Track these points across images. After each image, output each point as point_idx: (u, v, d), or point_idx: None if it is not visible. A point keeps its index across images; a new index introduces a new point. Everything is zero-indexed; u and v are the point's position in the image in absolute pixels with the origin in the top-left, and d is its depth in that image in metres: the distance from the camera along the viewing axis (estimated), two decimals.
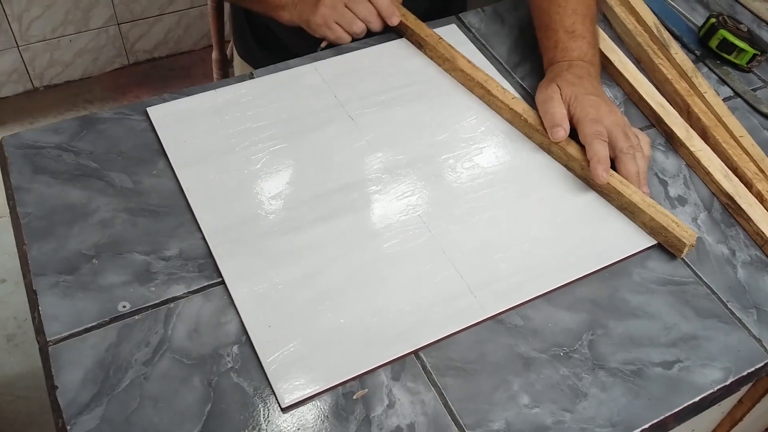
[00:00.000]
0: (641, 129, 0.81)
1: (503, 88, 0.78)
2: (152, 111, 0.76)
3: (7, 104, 2.03)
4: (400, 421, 0.56)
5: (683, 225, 0.68)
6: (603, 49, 0.87)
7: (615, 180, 0.70)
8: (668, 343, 0.63)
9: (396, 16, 0.84)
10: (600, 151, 0.70)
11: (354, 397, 0.57)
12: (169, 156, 0.72)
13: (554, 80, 0.77)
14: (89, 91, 2.09)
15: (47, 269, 0.63)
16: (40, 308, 0.60)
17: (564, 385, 0.59)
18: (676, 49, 0.89)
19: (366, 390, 0.58)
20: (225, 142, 0.73)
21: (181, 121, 0.75)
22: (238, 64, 1.17)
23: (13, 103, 2.03)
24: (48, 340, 0.59)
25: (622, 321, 0.64)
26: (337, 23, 0.85)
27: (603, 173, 0.69)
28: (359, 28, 0.85)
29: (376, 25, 0.85)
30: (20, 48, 1.96)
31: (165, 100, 0.77)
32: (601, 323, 0.63)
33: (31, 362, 1.56)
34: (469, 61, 0.80)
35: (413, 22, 0.85)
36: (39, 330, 0.60)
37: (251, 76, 0.81)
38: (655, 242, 0.69)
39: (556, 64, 0.79)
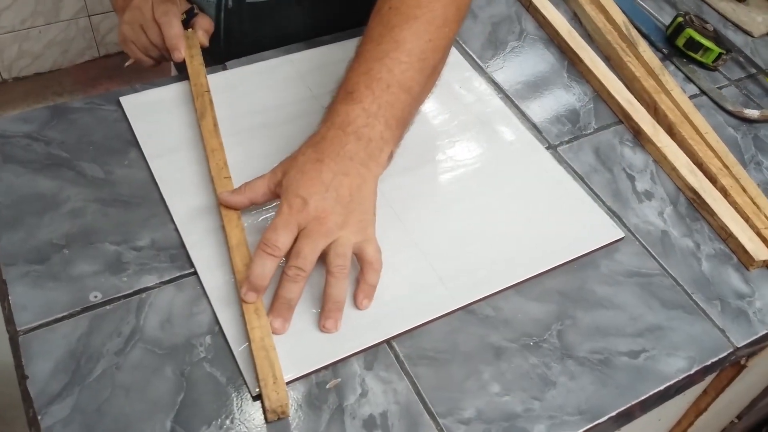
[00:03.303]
0: (609, 125, 0.83)
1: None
2: (125, 101, 0.75)
3: None
4: (373, 410, 0.57)
5: (280, 386, 0.55)
6: (573, 47, 0.88)
7: (249, 308, 0.59)
8: (634, 333, 0.64)
9: (179, 51, 0.77)
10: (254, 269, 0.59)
11: (327, 387, 0.58)
12: (141, 145, 0.72)
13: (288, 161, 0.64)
14: (59, 83, 2.06)
15: (17, 259, 0.62)
16: (10, 298, 0.60)
17: (533, 374, 0.60)
18: (644, 47, 0.90)
19: (339, 379, 0.58)
20: (198, 132, 0.73)
21: (154, 111, 0.75)
22: None
23: None
24: (18, 329, 0.58)
25: (589, 312, 0.65)
26: (134, 43, 0.81)
27: (247, 294, 0.59)
28: (154, 53, 0.80)
29: (163, 56, 0.80)
30: None
31: (137, 90, 0.77)
32: (570, 314, 0.65)
33: None
34: (215, 125, 0.72)
35: (195, 66, 0.77)
36: (9, 320, 0.59)
37: (225, 68, 0.80)
38: (623, 236, 0.71)
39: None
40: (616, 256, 0.70)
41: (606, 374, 0.61)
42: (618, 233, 0.71)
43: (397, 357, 0.60)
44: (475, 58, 0.87)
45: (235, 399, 0.56)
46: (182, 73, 0.79)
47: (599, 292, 0.66)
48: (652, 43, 0.95)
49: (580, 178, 0.76)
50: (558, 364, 0.61)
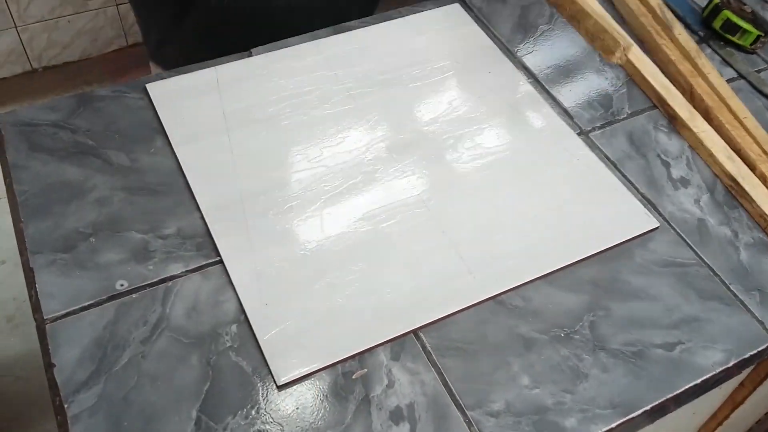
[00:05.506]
0: (644, 110, 0.81)
1: None
2: (151, 88, 0.75)
3: (5, 85, 2.02)
4: (400, 401, 0.56)
5: (624, 35, 0.75)
6: (606, 29, 0.86)
7: None
8: (670, 324, 0.62)
9: None
10: None
11: (353, 377, 0.57)
12: (167, 133, 0.71)
13: None
14: (88, 72, 2.07)
15: (44, 247, 0.62)
16: (37, 286, 0.60)
17: (564, 366, 0.59)
18: (679, 29, 0.88)
19: (365, 369, 0.58)
20: (224, 119, 0.73)
21: (180, 99, 0.74)
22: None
23: (12, 84, 2.02)
24: (45, 318, 0.58)
25: (623, 302, 0.63)
26: None
27: None
28: None
29: None
30: (18, 29, 1.94)
31: (163, 78, 0.76)
32: (602, 305, 0.63)
33: (31, 343, 1.56)
34: None
35: None
36: (36, 308, 0.59)
37: (250, 54, 0.80)
38: (658, 224, 0.69)
39: None
40: (650, 246, 0.68)
41: (640, 367, 0.60)
42: (653, 222, 0.69)
43: (424, 347, 0.59)
44: (504, 42, 0.86)
45: (260, 389, 0.56)
46: (209, 59, 0.79)
47: (633, 283, 0.65)
48: (687, 26, 0.92)
49: (613, 165, 0.74)
50: (590, 356, 0.60)
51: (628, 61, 0.84)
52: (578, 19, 0.76)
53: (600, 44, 0.73)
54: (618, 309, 0.63)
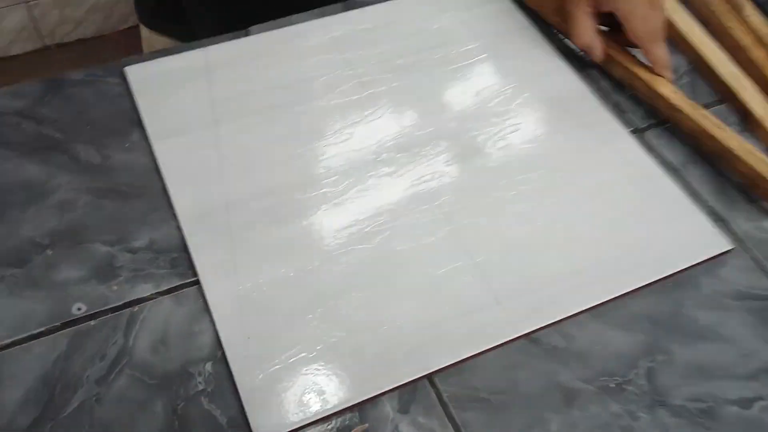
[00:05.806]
0: (710, 105, 0.69)
1: None
2: (130, 71, 0.66)
3: (17, 62, 1.99)
4: None
5: None
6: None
7: (708, 122, 0.64)
8: (747, 374, 0.52)
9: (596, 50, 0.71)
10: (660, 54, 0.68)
11: None
12: (145, 125, 0.62)
13: None
14: (102, 50, 2.04)
15: None
16: None
17: (615, 426, 0.49)
18: (749, 10, 0.77)
19: (366, 425, 0.48)
20: (212, 109, 0.63)
21: (163, 84, 0.65)
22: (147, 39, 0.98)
23: (25, 61, 1.99)
24: None
25: (688, 345, 0.53)
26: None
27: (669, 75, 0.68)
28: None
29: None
30: (29, 4, 1.91)
31: (145, 60, 0.67)
32: (663, 347, 0.53)
33: None
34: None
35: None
36: None
37: (247, 33, 0.70)
38: (731, 246, 0.58)
39: None
40: (721, 273, 0.57)
41: (710, 428, 0.49)
42: (724, 243, 0.58)
43: (440, 398, 0.49)
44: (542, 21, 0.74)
45: None
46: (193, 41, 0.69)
47: (701, 320, 0.54)
48: (759, 5, 0.80)
49: (675, 172, 0.64)
50: (647, 414, 0.49)
51: (691, 47, 0.72)
52: (726, 159, 0.63)
53: (762, 192, 0.61)
54: (682, 353, 0.52)
